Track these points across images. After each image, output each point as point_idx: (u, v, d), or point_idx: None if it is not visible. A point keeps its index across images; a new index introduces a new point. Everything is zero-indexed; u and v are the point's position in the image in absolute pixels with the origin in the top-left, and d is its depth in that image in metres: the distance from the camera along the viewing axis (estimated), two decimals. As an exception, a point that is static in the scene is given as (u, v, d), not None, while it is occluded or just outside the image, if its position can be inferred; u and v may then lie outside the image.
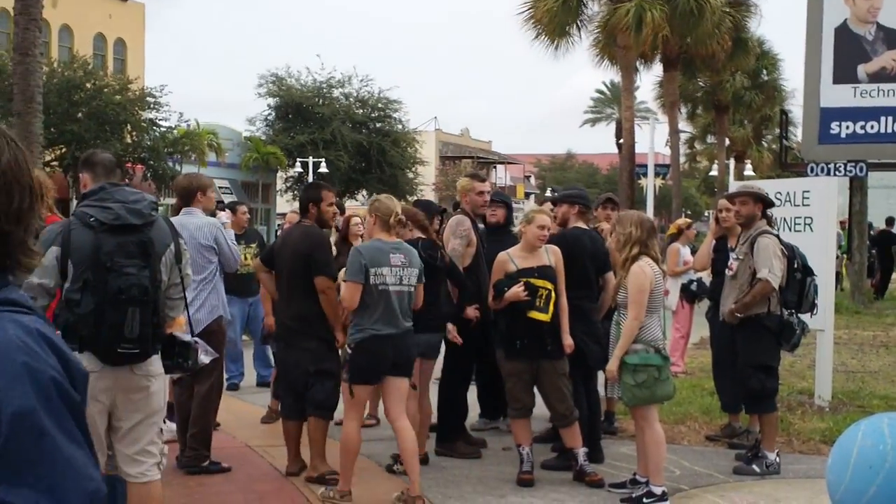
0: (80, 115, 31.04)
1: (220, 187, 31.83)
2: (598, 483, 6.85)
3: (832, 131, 10.09)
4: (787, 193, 9.58)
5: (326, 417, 6.84)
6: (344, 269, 6.43)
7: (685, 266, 11.31)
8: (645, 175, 31.83)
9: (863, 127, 10.00)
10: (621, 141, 30.63)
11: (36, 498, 1.41)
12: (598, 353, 7.16)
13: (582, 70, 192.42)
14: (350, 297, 6.26)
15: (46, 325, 1.51)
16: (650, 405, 6.51)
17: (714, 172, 49.76)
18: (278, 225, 28.55)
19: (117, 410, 4.63)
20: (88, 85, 31.81)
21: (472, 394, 8.37)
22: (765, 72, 44.04)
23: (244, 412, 9.29)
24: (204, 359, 5.08)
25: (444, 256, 7.32)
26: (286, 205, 41.30)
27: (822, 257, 9.09)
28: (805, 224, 9.41)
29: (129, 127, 32.57)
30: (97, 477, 1.46)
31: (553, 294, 6.85)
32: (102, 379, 4.53)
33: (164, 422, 6.53)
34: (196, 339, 5.07)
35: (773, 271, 7.24)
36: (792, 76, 57.53)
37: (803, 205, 9.46)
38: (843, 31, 10.34)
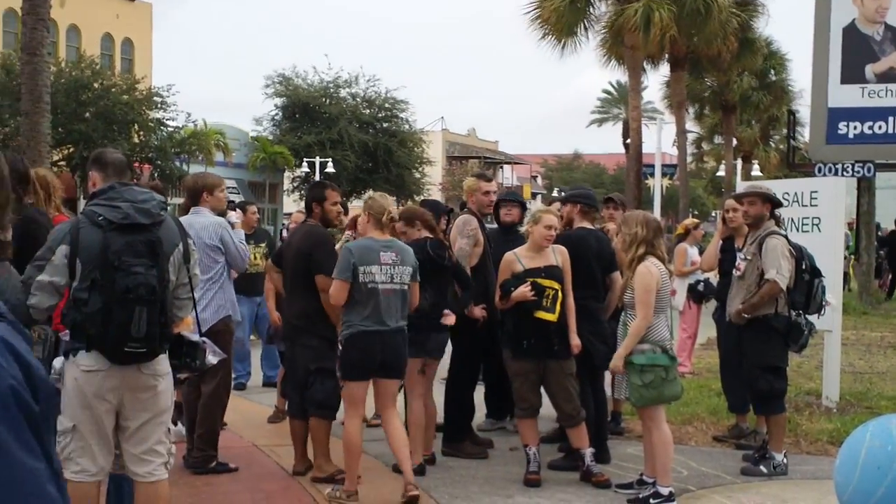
0: (87, 114, 31.13)
1: (227, 187, 31.84)
2: (604, 483, 6.85)
3: (840, 131, 10.07)
4: (795, 194, 9.56)
5: (328, 417, 6.84)
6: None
7: (692, 266, 11.30)
8: (652, 175, 31.77)
9: (871, 127, 9.98)
10: (628, 141, 30.55)
11: None
12: (604, 352, 7.15)
13: (589, 70, 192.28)
14: (336, 294, 6.34)
15: (13, 333, 1.46)
16: (657, 406, 6.50)
17: (721, 173, 49.60)
18: (283, 225, 28.57)
19: (125, 410, 4.64)
20: (96, 85, 31.90)
21: (479, 394, 8.37)
22: (772, 72, 43.96)
23: (251, 412, 9.30)
24: (212, 359, 5.09)
25: (452, 256, 7.32)
26: (293, 204, 41.35)
27: (830, 258, 9.06)
28: (813, 224, 9.39)
29: (136, 127, 32.67)
30: (54, 494, 1.40)
31: (560, 294, 6.85)
32: (110, 378, 4.54)
33: (175, 423, 6.55)
34: (204, 339, 5.08)
35: (781, 272, 7.23)
36: (800, 76, 57.51)
37: (811, 205, 9.45)
38: (851, 31, 10.32)
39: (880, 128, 11.85)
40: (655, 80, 57.96)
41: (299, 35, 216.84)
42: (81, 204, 25.99)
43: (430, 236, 7.21)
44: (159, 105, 33.77)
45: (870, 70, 10.13)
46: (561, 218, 7.66)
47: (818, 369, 10.67)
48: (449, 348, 7.71)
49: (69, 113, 30.20)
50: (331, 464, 6.83)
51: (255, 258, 10.09)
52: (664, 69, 34.79)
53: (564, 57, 29.19)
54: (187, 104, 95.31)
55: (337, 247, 7.48)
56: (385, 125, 46.59)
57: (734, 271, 7.70)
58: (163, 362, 4.70)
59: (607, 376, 7.42)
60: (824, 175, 12.69)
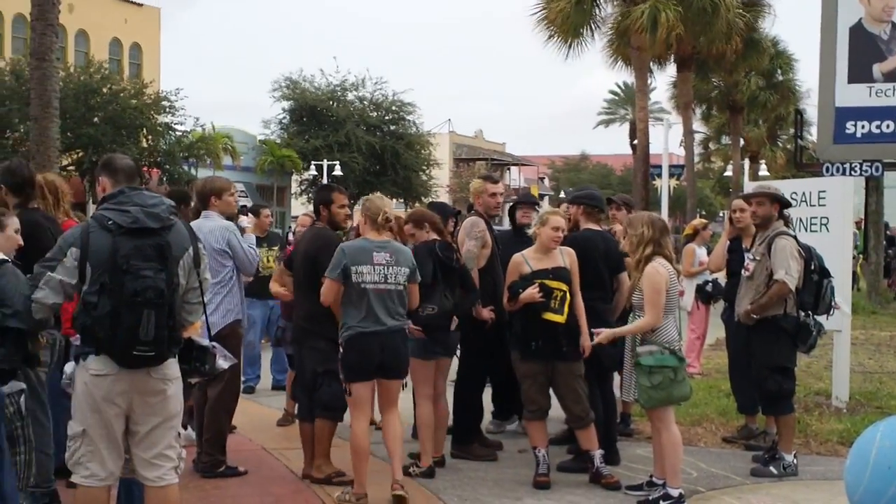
0: (96, 119, 31.24)
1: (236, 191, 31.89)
2: (614, 485, 6.84)
3: (847, 131, 10.05)
4: (803, 193, 9.55)
5: (333, 419, 6.87)
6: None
7: (700, 267, 11.29)
8: (659, 176, 31.71)
9: (878, 126, 9.96)
10: (635, 142, 30.54)
11: None
12: (612, 354, 7.15)
13: (595, 71, 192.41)
14: (325, 293, 6.45)
15: None
16: (666, 407, 6.49)
17: (729, 173, 49.58)
18: (289, 228, 28.58)
19: (134, 414, 4.65)
20: (105, 89, 32.02)
21: (485, 395, 8.37)
22: (779, 72, 43.89)
23: (260, 415, 9.31)
24: (223, 363, 5.10)
25: (459, 259, 7.34)
26: (301, 207, 41.44)
27: (839, 257, 9.05)
28: (821, 224, 9.37)
29: (145, 131, 32.78)
30: None
31: (568, 295, 6.85)
32: (119, 382, 4.56)
33: (185, 427, 6.58)
34: (214, 343, 5.09)
35: (789, 273, 7.22)
36: (807, 76, 57.40)
37: (819, 205, 9.43)
38: (857, 31, 10.31)
39: (888, 127, 11.80)
40: (662, 80, 57.96)
41: (306, 37, 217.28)
42: (91, 208, 26.09)
43: (438, 238, 7.24)
44: (167, 109, 33.88)
45: (877, 69, 10.12)
46: (569, 220, 7.67)
47: (827, 369, 10.65)
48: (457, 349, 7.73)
49: (78, 117, 30.31)
50: (330, 465, 6.87)
51: (269, 261, 10.11)
52: (671, 70, 34.83)
53: (571, 58, 29.20)
54: (195, 106, 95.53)
55: None
56: (392, 128, 46.64)
57: (743, 272, 7.69)
58: (172, 366, 4.71)
59: (616, 378, 7.41)
60: (832, 175, 12.67)
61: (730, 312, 8.34)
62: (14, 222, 5.24)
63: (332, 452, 6.96)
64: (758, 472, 7.32)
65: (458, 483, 6.98)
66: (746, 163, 47.96)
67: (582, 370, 6.99)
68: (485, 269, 7.67)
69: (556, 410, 7.22)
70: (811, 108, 38.02)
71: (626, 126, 54.81)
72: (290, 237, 12.80)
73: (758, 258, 7.47)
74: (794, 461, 7.31)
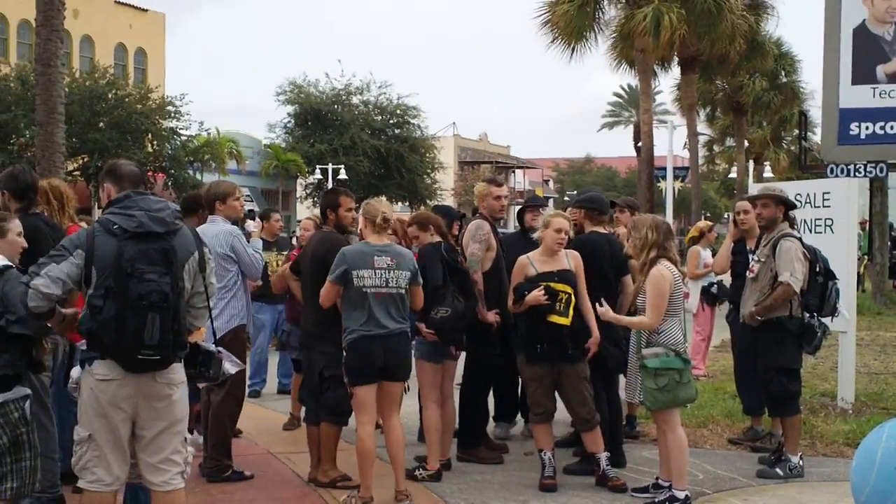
0: (101, 124, 31.31)
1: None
2: (620, 488, 6.84)
3: (852, 132, 10.05)
4: (808, 195, 9.54)
5: (338, 423, 6.89)
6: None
7: (705, 269, 11.29)
8: (664, 178, 31.69)
9: (882, 127, 9.96)
10: (640, 144, 30.52)
11: None
12: (617, 356, 7.16)
13: (599, 73, 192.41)
14: (324, 297, 6.52)
15: None
16: (672, 409, 6.49)
17: (733, 175, 49.53)
18: (291, 232, 28.57)
19: (140, 419, 4.66)
20: (110, 95, 32.09)
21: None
22: (783, 73, 43.85)
23: (266, 419, 9.32)
24: (230, 368, 5.11)
25: (462, 262, 7.39)
26: (306, 211, 41.49)
27: (843, 259, 9.04)
28: (826, 225, 9.37)
29: (150, 136, 32.84)
30: None
31: (573, 298, 6.86)
32: (125, 387, 4.57)
33: (192, 432, 6.59)
34: (219, 348, 5.09)
35: (794, 275, 7.22)
36: (811, 77, 57.32)
37: (823, 206, 9.43)
38: (861, 32, 10.31)
39: (892, 128, 11.79)
40: (667, 83, 57.85)
41: (311, 42, 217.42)
42: (97, 213, 26.14)
43: (442, 241, 7.27)
44: (173, 114, 33.96)
45: (881, 70, 10.12)
46: (575, 223, 7.68)
47: (833, 370, 10.64)
48: (462, 354, 7.73)
49: (84, 123, 30.39)
50: (335, 469, 6.88)
51: (279, 266, 10.10)
52: (675, 72, 34.78)
53: (575, 61, 29.18)
54: (200, 110, 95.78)
55: None
56: (397, 131, 46.70)
57: (748, 273, 7.69)
58: (178, 371, 4.72)
59: (621, 380, 7.41)
60: (836, 176, 12.66)
61: (735, 314, 8.34)
62: (16, 226, 5.26)
63: (338, 456, 6.97)
64: (764, 473, 7.32)
65: (464, 486, 6.98)
66: (751, 164, 47.88)
67: (587, 372, 6.99)
68: (489, 272, 7.67)
69: (561, 413, 7.22)
70: (815, 110, 37.99)
71: (631, 128, 54.86)
72: (294, 241, 12.79)
73: (762, 260, 7.47)
74: (800, 463, 7.31)
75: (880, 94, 10.10)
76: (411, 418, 8.11)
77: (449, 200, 50.32)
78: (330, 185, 40.25)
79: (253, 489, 6.88)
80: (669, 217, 26.61)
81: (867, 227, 21.39)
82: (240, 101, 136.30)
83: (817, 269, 7.46)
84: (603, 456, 6.99)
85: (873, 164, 14.29)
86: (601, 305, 6.65)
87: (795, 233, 7.63)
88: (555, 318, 6.80)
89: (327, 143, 43.95)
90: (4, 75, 31.37)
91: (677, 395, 6.41)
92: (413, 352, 7.04)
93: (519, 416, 8.62)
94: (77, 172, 31.01)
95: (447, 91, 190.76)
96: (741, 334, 8.12)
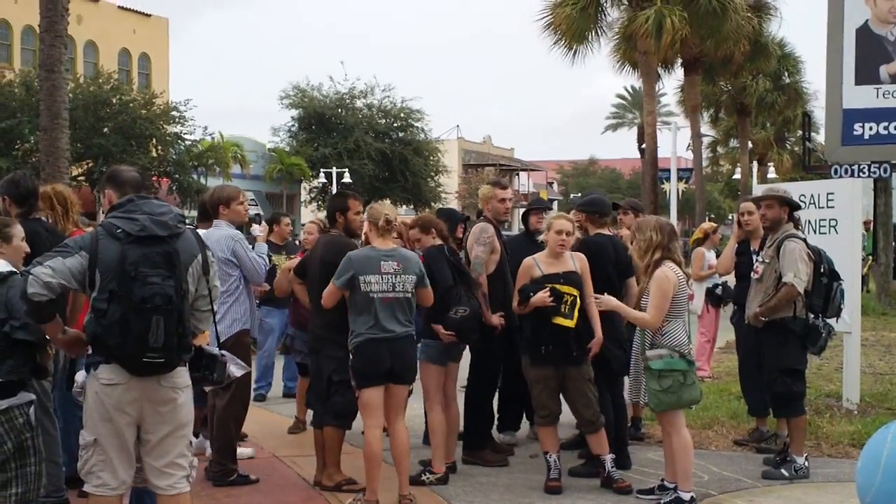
0: (106, 129, 31.33)
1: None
2: (626, 489, 6.84)
3: (855, 132, 10.00)
4: (812, 195, 9.55)
5: (342, 426, 6.89)
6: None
7: (710, 270, 11.29)
8: (668, 179, 31.66)
9: (886, 128, 9.92)
10: (643, 146, 30.51)
11: None
12: (622, 358, 7.16)
13: (603, 75, 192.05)
14: (327, 298, 6.55)
15: None
16: (677, 410, 6.49)
17: (737, 176, 49.46)
18: (293, 236, 28.61)
19: (145, 423, 4.66)
20: (115, 100, 32.13)
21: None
22: (786, 74, 43.81)
23: (271, 423, 9.33)
24: (235, 371, 5.11)
25: (464, 263, 7.43)
26: (311, 215, 41.45)
27: (847, 259, 9.04)
28: (830, 226, 9.37)
29: (154, 141, 32.87)
30: None
31: (578, 300, 6.85)
32: (130, 391, 4.58)
33: (197, 436, 6.59)
34: (224, 352, 5.10)
35: (798, 276, 7.22)
36: (814, 78, 57.18)
37: (827, 207, 9.43)
38: (864, 32, 10.27)
39: (896, 128, 11.79)
40: (670, 84, 57.92)
41: (314, 45, 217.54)
42: (101, 218, 26.15)
43: (443, 244, 7.30)
44: (177, 119, 34.00)
45: (884, 71, 10.07)
46: (580, 226, 7.68)
47: (838, 371, 10.63)
48: (467, 356, 7.73)
49: (88, 128, 30.41)
50: (340, 473, 6.89)
51: None
52: (679, 73, 34.74)
53: (578, 62, 29.23)
54: (204, 114, 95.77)
55: None
56: (401, 134, 46.70)
57: (752, 274, 7.69)
58: (182, 375, 4.72)
59: (626, 381, 7.41)
60: (840, 176, 12.63)
61: (739, 315, 8.34)
62: (19, 231, 5.29)
63: (344, 460, 6.98)
64: (769, 474, 7.31)
65: (469, 489, 6.99)
66: (755, 165, 47.82)
67: (591, 374, 6.99)
68: (494, 274, 7.67)
69: (566, 415, 7.22)
70: (819, 111, 38.01)
71: (635, 130, 54.83)
72: (297, 244, 12.79)
73: (767, 261, 7.47)
74: (806, 463, 7.30)
75: (884, 94, 10.06)
76: (416, 421, 8.11)
77: (453, 203, 50.30)
78: (334, 188, 40.27)
79: (258, 493, 6.89)
80: (673, 218, 26.57)
81: (871, 228, 21.37)
82: (243, 104, 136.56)
83: (822, 270, 7.46)
84: (608, 458, 6.99)
85: (877, 165, 14.25)
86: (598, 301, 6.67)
87: (800, 234, 7.63)
88: (560, 321, 6.80)
89: (331, 147, 43.95)
90: (9, 81, 31.40)
91: (681, 396, 6.41)
92: (418, 354, 7.04)
93: (524, 419, 8.61)
94: (82, 178, 31.02)
95: (449, 93, 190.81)
96: (746, 335, 8.11)
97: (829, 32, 10.49)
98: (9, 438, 4.65)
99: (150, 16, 45.15)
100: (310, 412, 7.73)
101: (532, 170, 76.26)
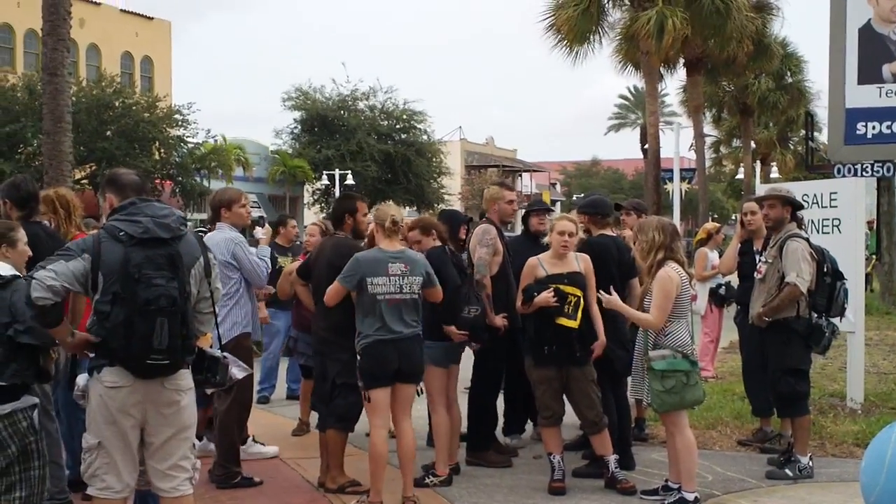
0: (109, 133, 31.39)
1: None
2: (629, 490, 6.84)
3: (858, 132, 9.99)
4: (815, 195, 9.54)
5: (345, 429, 6.90)
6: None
7: (713, 270, 11.28)
8: (671, 180, 31.66)
9: (889, 127, 9.91)
10: (646, 146, 30.52)
11: None
12: (625, 358, 7.15)
13: (606, 76, 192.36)
14: (330, 294, 6.56)
15: None
16: (680, 411, 6.49)
17: (740, 176, 49.44)
18: (295, 237, 28.67)
19: (149, 425, 4.67)
20: (117, 103, 32.19)
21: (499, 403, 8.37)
22: (789, 73, 43.79)
23: (275, 425, 9.32)
24: (237, 373, 5.12)
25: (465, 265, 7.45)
26: (314, 217, 41.48)
27: (851, 259, 9.03)
28: (833, 226, 9.37)
29: (157, 144, 32.93)
30: None
31: (582, 301, 6.85)
32: (134, 393, 4.59)
33: (201, 438, 6.60)
34: (225, 354, 5.11)
35: (801, 275, 7.21)
36: (817, 77, 57.13)
37: (830, 206, 9.43)
38: (866, 32, 10.26)
39: (899, 127, 11.77)
40: (673, 84, 57.92)
41: (316, 48, 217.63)
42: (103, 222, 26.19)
43: (443, 246, 7.31)
44: (180, 122, 34.06)
45: (886, 70, 10.05)
46: (585, 228, 7.69)
47: (842, 371, 10.62)
48: (470, 357, 7.73)
49: (91, 131, 30.46)
50: (343, 475, 6.89)
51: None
52: (681, 73, 34.74)
53: (580, 63, 29.15)
54: (207, 117, 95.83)
55: None
56: (403, 136, 46.72)
57: (755, 274, 7.69)
58: (186, 377, 4.73)
59: (629, 382, 7.41)
60: (843, 176, 12.63)
61: (743, 315, 8.33)
62: (23, 235, 5.31)
63: (347, 462, 6.98)
64: (773, 474, 7.31)
65: (472, 490, 6.99)
66: (758, 165, 47.83)
67: (594, 375, 6.99)
68: (497, 276, 7.67)
69: (570, 416, 7.22)
70: (821, 110, 37.94)
71: (637, 130, 54.91)
72: (301, 246, 12.80)
73: (770, 261, 7.47)
74: (810, 463, 7.30)
75: (887, 93, 10.04)
76: (419, 423, 8.11)
77: (456, 205, 50.32)
78: (337, 190, 40.30)
79: (262, 495, 6.89)
80: (676, 219, 26.55)
81: (874, 227, 21.34)
82: (245, 107, 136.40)
83: (825, 270, 7.45)
84: (612, 459, 6.99)
85: (880, 164, 14.22)
86: (609, 294, 6.66)
87: (803, 233, 7.62)
88: (563, 321, 6.80)
89: (334, 149, 43.97)
90: (12, 85, 31.48)
91: (684, 396, 6.40)
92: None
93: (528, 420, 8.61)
94: (85, 181, 31.09)
95: (451, 94, 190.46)
96: (749, 335, 8.10)
97: (831, 32, 10.48)
98: (13, 442, 4.65)
99: (152, 19, 45.23)
100: (313, 414, 7.73)
101: (535, 171, 76.28)
